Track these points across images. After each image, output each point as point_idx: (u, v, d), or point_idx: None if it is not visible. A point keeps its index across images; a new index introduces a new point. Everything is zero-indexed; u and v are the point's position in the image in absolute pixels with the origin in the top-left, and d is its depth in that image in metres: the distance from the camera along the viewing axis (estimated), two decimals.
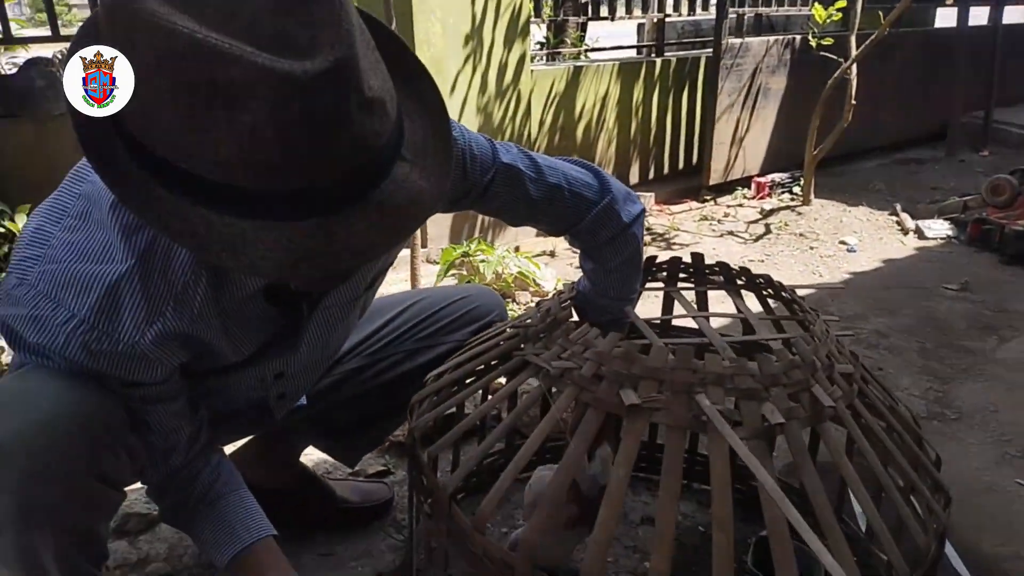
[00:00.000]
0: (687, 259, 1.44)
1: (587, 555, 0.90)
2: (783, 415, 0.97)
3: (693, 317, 1.31)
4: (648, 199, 4.25)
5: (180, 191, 0.76)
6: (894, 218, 4.02)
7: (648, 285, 1.43)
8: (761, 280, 1.35)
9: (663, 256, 1.49)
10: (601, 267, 1.30)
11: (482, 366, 1.27)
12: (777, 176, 4.61)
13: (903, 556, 0.95)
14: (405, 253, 2.73)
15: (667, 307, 1.51)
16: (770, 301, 1.40)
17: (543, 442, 1.04)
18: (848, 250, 3.60)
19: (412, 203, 0.83)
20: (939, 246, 3.66)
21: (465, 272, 2.92)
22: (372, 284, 1.23)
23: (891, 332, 2.66)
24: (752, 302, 1.40)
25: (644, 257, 1.35)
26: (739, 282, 1.39)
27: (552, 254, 3.50)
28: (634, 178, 4.42)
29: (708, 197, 4.47)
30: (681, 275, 1.45)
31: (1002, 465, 1.89)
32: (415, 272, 2.67)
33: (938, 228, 3.77)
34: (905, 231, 3.84)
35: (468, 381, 1.28)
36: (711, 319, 1.34)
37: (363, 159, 0.78)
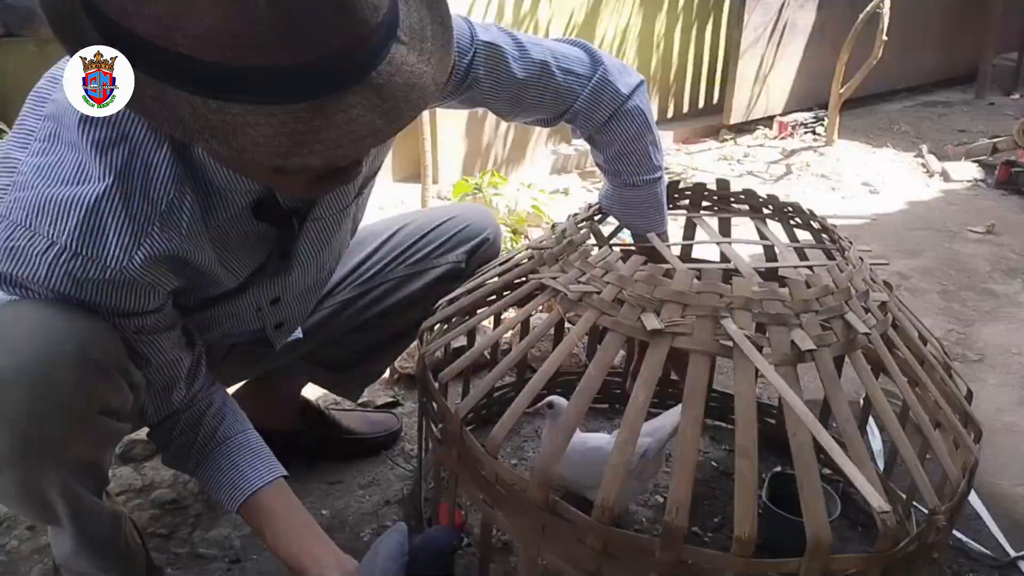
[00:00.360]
0: (712, 186, 1.37)
1: (603, 479, 0.87)
2: (814, 342, 0.92)
3: (718, 243, 1.25)
4: (667, 137, 4.15)
5: (161, 73, 0.70)
6: (919, 160, 3.90)
7: (670, 211, 1.36)
8: (789, 208, 1.29)
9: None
10: (611, 153, 1.22)
11: (494, 295, 1.23)
12: (800, 116, 4.48)
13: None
14: (416, 190, 2.67)
15: (689, 236, 1.45)
16: (798, 231, 1.34)
17: (556, 372, 0.99)
18: (871, 191, 3.51)
19: (411, 87, 0.77)
20: (965, 189, 3.55)
21: (476, 204, 2.86)
22: (361, 191, 1.16)
23: (913, 274, 2.60)
24: (781, 233, 1.34)
25: (655, 133, 1.25)
26: (766, 211, 1.33)
27: (566, 192, 3.43)
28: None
29: (728, 137, 4.36)
30: (704, 204, 1.38)
31: (1023, 406, 1.85)
32: (426, 207, 2.62)
33: (965, 171, 3.66)
34: (931, 173, 3.73)
35: (480, 311, 1.23)
36: (736, 247, 1.27)
37: (357, 34, 0.72)
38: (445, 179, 3.24)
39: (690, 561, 0.86)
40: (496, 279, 1.22)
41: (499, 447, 0.95)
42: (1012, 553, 1.36)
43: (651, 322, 0.93)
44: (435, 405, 1.10)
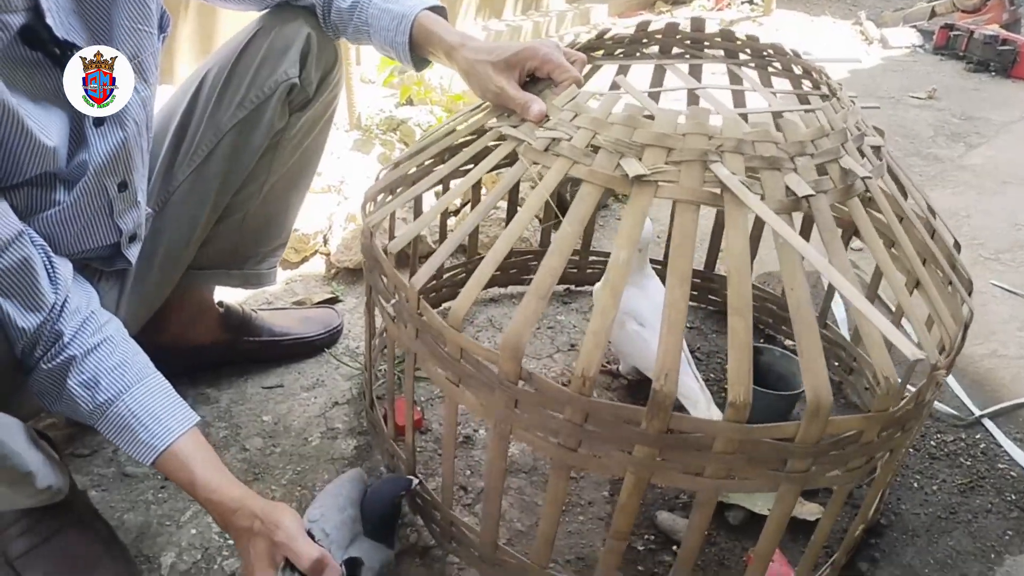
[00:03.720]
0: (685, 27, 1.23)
1: (585, 340, 0.77)
2: (811, 187, 0.83)
3: (693, 89, 1.13)
4: (602, 10, 3.93)
5: None
6: (858, 27, 3.82)
7: (637, 59, 1.23)
8: (770, 50, 1.16)
9: None
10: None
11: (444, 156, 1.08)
12: None
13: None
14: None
15: (657, 85, 1.32)
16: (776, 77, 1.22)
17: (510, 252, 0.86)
18: None
19: None
20: (904, 55, 3.50)
21: (406, 83, 2.64)
22: (162, 29, 0.96)
23: None
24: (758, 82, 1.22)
25: None
26: (744, 55, 1.20)
27: None
28: None
29: (665, 9, 4.17)
30: (675, 50, 1.24)
31: (976, 267, 1.84)
32: (350, 92, 2.38)
33: (903, 36, 3.60)
34: (869, 41, 3.66)
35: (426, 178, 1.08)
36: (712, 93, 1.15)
37: None
38: (368, 59, 2.98)
39: (680, 431, 0.79)
40: (447, 137, 1.07)
41: (463, 319, 0.84)
42: (976, 412, 1.36)
43: (633, 167, 0.81)
44: (385, 279, 0.97)
